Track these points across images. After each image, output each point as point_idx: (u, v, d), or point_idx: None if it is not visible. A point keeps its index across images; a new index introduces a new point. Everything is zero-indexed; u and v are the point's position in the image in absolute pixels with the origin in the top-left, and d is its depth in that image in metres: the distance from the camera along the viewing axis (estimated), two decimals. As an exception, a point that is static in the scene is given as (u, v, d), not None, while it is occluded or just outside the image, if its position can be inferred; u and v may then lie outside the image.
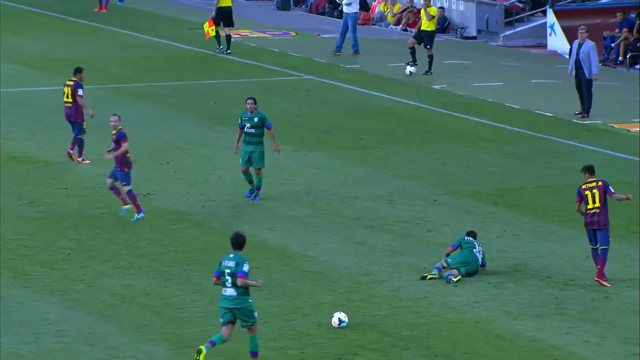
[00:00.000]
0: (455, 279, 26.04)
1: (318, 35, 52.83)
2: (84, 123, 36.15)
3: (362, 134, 38.23)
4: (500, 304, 25.27)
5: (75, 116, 35.64)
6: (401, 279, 27.02)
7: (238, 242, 20.56)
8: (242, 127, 30.58)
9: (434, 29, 44.89)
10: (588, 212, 25.90)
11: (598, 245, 25.83)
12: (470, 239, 27.07)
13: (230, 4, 51.08)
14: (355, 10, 50.28)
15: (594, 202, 26.03)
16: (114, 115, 30.45)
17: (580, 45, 40.93)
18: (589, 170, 26.34)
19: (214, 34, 49.86)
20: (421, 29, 44.90)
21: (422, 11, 45.84)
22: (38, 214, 31.21)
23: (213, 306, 23.65)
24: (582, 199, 25.88)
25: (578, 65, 40.57)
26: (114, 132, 30.02)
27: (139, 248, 29.24)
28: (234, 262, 20.56)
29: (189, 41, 52.61)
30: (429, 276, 26.03)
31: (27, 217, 31.37)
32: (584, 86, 40.76)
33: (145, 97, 43.67)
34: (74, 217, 30.90)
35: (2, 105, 42.33)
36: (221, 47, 50.46)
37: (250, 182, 28.36)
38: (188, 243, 29.53)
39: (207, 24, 50.12)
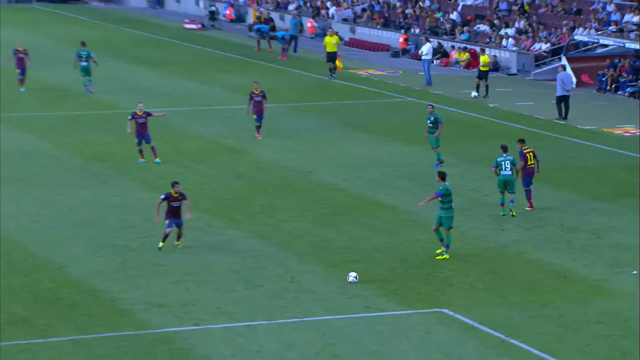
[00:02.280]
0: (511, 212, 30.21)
1: (417, 72, 56.99)
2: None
3: (451, 137, 40.75)
4: (530, 242, 30.02)
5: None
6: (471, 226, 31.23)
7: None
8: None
9: (488, 69, 50.66)
10: (527, 167, 31.27)
11: (529, 187, 30.90)
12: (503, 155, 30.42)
13: (335, 50, 56.33)
14: (428, 57, 54.86)
15: (531, 160, 31.38)
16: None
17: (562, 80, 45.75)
18: (523, 141, 31.95)
19: (341, 66, 56.04)
20: (480, 69, 50.40)
21: (481, 57, 51.07)
22: (243, 183, 36.29)
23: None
24: (524, 159, 31.32)
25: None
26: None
27: (302, 205, 33.39)
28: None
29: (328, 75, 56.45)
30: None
31: (236, 186, 35.94)
32: (564, 100, 45.64)
33: (313, 112, 48.52)
34: (266, 185, 35.99)
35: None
36: (333, 75, 55.48)
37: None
38: (337, 198, 34.34)
39: (338, 62, 56.17)
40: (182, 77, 56.00)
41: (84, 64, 48.72)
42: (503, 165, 30.54)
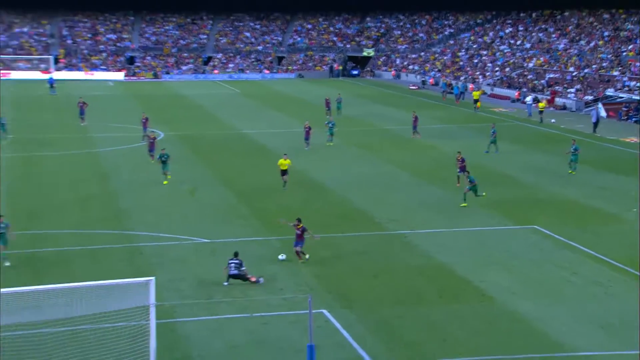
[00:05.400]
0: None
1: (515, 109, 60.78)
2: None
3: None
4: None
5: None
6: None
7: None
8: None
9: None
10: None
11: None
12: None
13: (478, 98, 62.05)
14: (529, 102, 58.78)
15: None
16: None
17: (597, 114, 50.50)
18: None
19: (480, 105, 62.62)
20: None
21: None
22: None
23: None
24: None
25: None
26: None
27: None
28: None
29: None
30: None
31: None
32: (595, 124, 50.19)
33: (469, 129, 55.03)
34: (429, 174, 39.19)
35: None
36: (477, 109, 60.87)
37: None
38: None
39: (478, 104, 62.21)
40: (402, 110, 64.09)
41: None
42: None
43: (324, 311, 21.30)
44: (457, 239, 28.03)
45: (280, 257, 24.23)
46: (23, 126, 54.65)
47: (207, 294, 22.73)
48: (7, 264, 22.97)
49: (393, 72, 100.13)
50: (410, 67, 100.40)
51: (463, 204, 31.63)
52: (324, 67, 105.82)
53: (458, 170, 34.91)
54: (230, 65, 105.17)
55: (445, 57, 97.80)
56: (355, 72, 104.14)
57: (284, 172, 35.71)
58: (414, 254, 26.23)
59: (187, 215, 31.55)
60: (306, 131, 46.59)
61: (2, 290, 17.27)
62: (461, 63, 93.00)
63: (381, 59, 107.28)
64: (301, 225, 24.99)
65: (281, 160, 36.05)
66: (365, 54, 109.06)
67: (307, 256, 25.07)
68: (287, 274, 24.60)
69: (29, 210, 32.51)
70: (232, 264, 23.09)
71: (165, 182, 35.59)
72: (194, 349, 18.89)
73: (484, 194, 32.16)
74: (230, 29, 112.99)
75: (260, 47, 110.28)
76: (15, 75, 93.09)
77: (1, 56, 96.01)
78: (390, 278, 23.99)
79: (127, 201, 33.93)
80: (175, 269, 24.79)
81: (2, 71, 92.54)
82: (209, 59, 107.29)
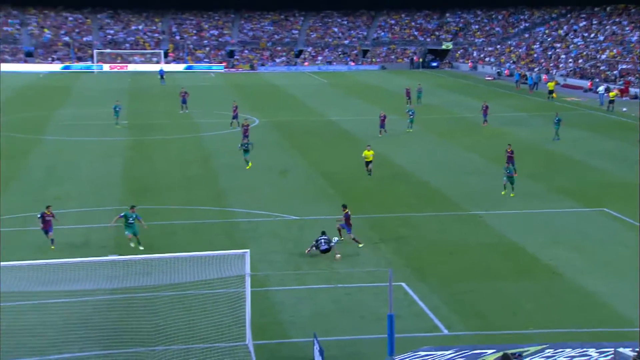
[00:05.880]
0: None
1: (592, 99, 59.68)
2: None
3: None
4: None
5: None
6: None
7: None
8: None
9: None
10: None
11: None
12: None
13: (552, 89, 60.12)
14: (602, 92, 55.90)
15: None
16: None
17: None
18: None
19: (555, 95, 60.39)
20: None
21: None
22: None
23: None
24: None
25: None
26: None
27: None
28: None
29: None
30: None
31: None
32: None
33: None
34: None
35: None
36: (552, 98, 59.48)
37: None
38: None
39: (554, 94, 60.69)
40: (478, 99, 61.67)
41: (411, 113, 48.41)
42: None
43: (403, 284, 21.29)
44: (529, 220, 27.62)
45: (333, 240, 23.77)
46: (137, 113, 55.75)
47: (295, 265, 22.99)
48: (141, 248, 23.51)
49: (470, 64, 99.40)
50: (487, 59, 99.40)
51: (508, 193, 30.53)
52: (405, 59, 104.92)
53: (506, 162, 33.36)
54: (319, 57, 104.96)
55: (520, 50, 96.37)
56: (434, 64, 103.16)
57: (368, 163, 34.63)
58: (488, 233, 25.95)
59: (279, 195, 31.76)
60: (381, 119, 46.42)
61: (116, 257, 18.27)
62: (535, 55, 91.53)
63: (459, 52, 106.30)
64: (346, 210, 24.72)
65: (365, 152, 34.94)
66: (444, 47, 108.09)
67: (360, 245, 24.66)
68: (368, 250, 24.64)
69: (142, 188, 33.33)
70: (322, 240, 23.32)
71: (248, 167, 36.02)
72: (284, 314, 19.15)
73: (512, 194, 30.70)
74: (320, 24, 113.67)
75: (346, 41, 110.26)
76: (131, 67, 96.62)
77: (119, 51, 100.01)
78: (465, 255, 23.78)
79: (226, 181, 34.35)
80: (268, 243, 25.06)
81: (119, 64, 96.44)
82: (300, 52, 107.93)
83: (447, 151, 41.40)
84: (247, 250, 17.49)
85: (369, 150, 34.70)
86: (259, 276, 20.65)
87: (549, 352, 15.40)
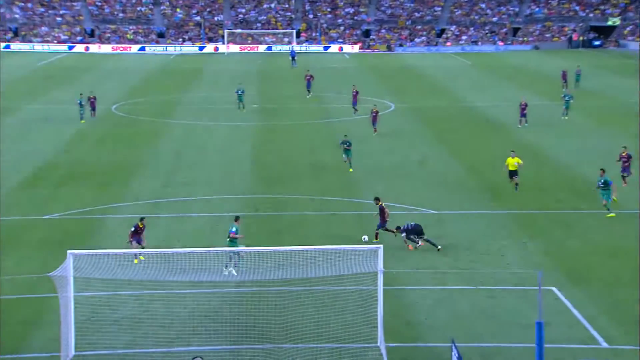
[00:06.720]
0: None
1: None
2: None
3: None
4: None
5: None
6: None
7: None
8: None
9: None
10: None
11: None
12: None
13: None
14: None
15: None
16: None
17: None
18: None
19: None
20: None
21: None
22: None
23: None
24: None
25: None
26: None
27: None
28: None
29: None
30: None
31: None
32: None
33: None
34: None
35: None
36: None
37: None
38: None
39: None
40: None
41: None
42: None
43: (554, 288, 20.85)
44: None
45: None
46: (265, 97, 57.51)
47: (431, 263, 23.02)
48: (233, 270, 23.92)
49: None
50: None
51: (610, 215, 27.82)
52: (562, 37, 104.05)
53: (622, 169, 30.83)
54: (463, 37, 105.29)
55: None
56: (597, 43, 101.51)
57: (512, 173, 30.78)
58: (659, 235, 25.15)
59: (415, 186, 31.94)
60: (522, 108, 45.52)
61: (245, 248, 19.23)
62: None
63: (628, 28, 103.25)
64: (380, 202, 24.46)
65: (509, 159, 31.01)
66: (610, 23, 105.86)
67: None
68: (514, 249, 24.39)
69: (271, 176, 34.18)
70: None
71: (350, 170, 34.34)
72: (419, 316, 19.26)
73: (614, 198, 28.28)
74: (466, 0, 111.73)
75: (495, 19, 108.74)
76: (261, 48, 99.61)
77: (250, 31, 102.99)
78: (627, 258, 23.08)
79: (357, 170, 34.70)
80: (400, 238, 24.91)
81: (250, 45, 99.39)
82: (442, 31, 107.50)
83: (608, 141, 40.34)
84: (380, 245, 17.66)
85: (513, 158, 31.06)
86: (390, 274, 20.44)
87: None
